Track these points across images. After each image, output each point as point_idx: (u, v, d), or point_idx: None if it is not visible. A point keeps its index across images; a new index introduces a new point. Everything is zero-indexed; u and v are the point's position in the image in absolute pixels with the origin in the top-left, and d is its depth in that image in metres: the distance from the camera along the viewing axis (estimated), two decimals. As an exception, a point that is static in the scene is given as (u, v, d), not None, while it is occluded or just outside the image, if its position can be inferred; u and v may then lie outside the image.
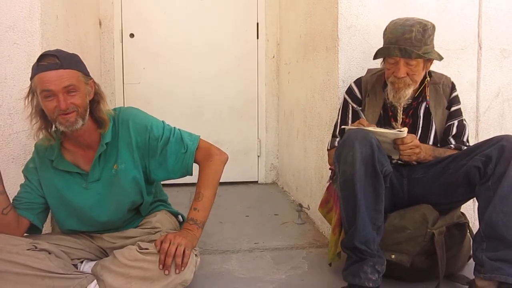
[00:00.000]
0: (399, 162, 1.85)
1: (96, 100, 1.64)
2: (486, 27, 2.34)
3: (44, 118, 1.58)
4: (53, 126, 1.62)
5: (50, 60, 1.52)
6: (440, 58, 1.82)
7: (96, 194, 1.68)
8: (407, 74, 1.79)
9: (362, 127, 1.70)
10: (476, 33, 2.34)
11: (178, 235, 1.58)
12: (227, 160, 1.76)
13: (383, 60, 1.88)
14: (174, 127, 1.76)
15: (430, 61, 1.84)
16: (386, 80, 1.87)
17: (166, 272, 1.51)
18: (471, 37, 2.34)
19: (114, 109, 1.72)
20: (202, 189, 1.68)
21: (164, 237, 1.57)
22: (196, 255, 1.65)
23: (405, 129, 1.71)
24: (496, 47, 2.36)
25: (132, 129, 1.68)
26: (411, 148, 1.73)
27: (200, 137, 1.77)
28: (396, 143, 1.73)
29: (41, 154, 1.69)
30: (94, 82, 1.65)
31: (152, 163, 1.71)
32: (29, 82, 1.58)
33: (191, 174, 1.76)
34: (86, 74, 1.61)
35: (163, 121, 1.76)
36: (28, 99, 1.57)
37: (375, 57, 1.85)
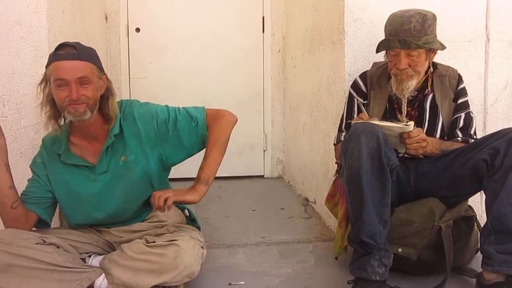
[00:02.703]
0: (406, 155, 1.84)
1: (106, 96, 1.65)
2: (494, 19, 2.32)
3: (54, 107, 1.60)
4: (62, 118, 1.63)
5: (68, 50, 1.55)
6: (443, 47, 1.81)
7: (103, 186, 1.69)
8: (409, 65, 1.78)
9: (369, 121, 1.69)
10: (484, 25, 2.32)
11: (171, 189, 1.64)
12: (235, 121, 1.75)
13: (386, 52, 1.87)
14: (178, 107, 1.76)
15: (433, 51, 1.83)
16: (390, 72, 1.87)
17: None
18: (479, 29, 2.32)
19: (118, 102, 1.73)
20: (208, 148, 1.69)
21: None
22: (202, 247, 1.66)
23: (412, 123, 1.70)
24: (504, 39, 2.34)
25: (139, 120, 1.68)
26: (417, 142, 1.73)
27: (206, 107, 1.77)
28: (403, 136, 1.72)
29: (49, 149, 1.70)
30: (107, 78, 1.67)
31: (166, 147, 1.71)
32: (40, 77, 1.59)
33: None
34: (100, 68, 1.63)
35: (166, 105, 1.76)
36: (40, 87, 1.59)
37: (377, 50, 1.84)
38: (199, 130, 1.72)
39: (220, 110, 1.76)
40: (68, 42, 1.60)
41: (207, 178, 1.66)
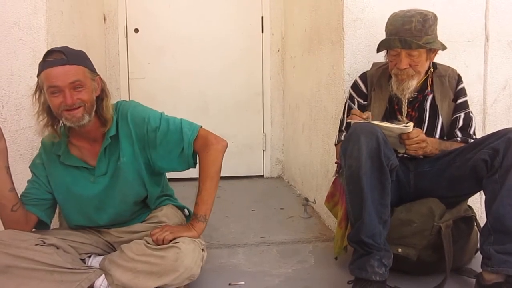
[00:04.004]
0: (405, 155, 1.84)
1: (101, 97, 1.64)
2: (494, 19, 2.32)
3: (51, 115, 1.59)
4: (60, 123, 1.62)
5: (56, 56, 1.53)
6: (443, 47, 1.81)
7: (103, 188, 1.68)
8: (410, 65, 1.78)
9: (369, 121, 1.69)
10: (483, 25, 2.32)
11: (169, 226, 1.67)
12: (225, 147, 1.70)
13: (386, 52, 1.87)
14: (174, 117, 1.73)
15: (433, 51, 1.83)
16: (390, 72, 1.87)
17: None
18: (478, 29, 2.32)
19: (115, 103, 1.72)
20: (200, 183, 1.68)
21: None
22: (203, 249, 1.65)
23: (411, 124, 1.70)
24: (504, 39, 2.34)
25: (131, 122, 1.67)
26: (417, 143, 1.73)
27: (201, 127, 1.73)
28: (402, 137, 1.72)
29: (48, 150, 1.69)
30: (101, 79, 1.65)
31: (153, 154, 1.69)
32: (36, 79, 1.58)
33: (194, 166, 1.74)
34: (92, 70, 1.61)
35: (161, 112, 1.73)
36: (35, 96, 1.57)
37: (378, 50, 1.84)
38: (185, 150, 1.68)
39: (210, 135, 1.70)
40: (56, 47, 1.58)
41: (204, 215, 1.67)
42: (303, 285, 1.81)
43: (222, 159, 1.70)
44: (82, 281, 1.54)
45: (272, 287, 1.80)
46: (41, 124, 1.59)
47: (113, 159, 1.68)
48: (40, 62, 1.55)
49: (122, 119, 1.68)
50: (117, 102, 1.73)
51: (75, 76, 1.53)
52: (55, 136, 1.63)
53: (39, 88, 1.56)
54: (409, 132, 1.70)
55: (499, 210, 1.59)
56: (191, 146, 1.68)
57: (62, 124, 1.64)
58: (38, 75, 1.56)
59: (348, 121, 1.82)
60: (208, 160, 1.67)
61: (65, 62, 1.52)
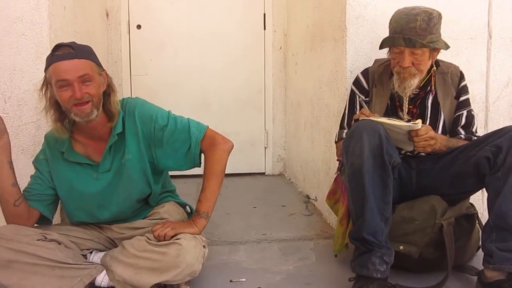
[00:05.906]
0: (408, 153, 1.84)
1: (107, 92, 1.64)
2: (497, 16, 2.31)
3: (59, 110, 1.58)
4: (66, 119, 1.62)
5: (65, 50, 1.53)
6: (447, 47, 1.80)
7: (106, 184, 1.68)
8: (413, 63, 1.77)
9: (377, 120, 1.67)
10: (486, 22, 2.31)
11: (170, 222, 1.67)
12: (231, 148, 1.72)
13: (389, 50, 1.86)
14: (182, 117, 1.73)
15: (436, 50, 1.82)
16: (392, 70, 1.86)
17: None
18: (481, 26, 2.31)
19: (122, 100, 1.72)
20: (205, 180, 1.68)
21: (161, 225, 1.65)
22: (204, 246, 1.65)
23: (419, 121, 1.69)
24: (507, 36, 2.33)
25: (138, 119, 1.67)
26: (426, 140, 1.71)
27: (208, 127, 1.74)
28: (411, 135, 1.71)
29: (52, 146, 1.69)
30: (107, 74, 1.65)
31: (159, 152, 1.69)
32: (41, 74, 1.58)
33: (199, 165, 1.74)
34: (99, 65, 1.62)
35: (168, 111, 1.74)
36: (42, 91, 1.57)
37: (381, 47, 1.83)
38: (192, 149, 1.69)
39: (217, 135, 1.72)
40: (64, 42, 1.58)
41: (206, 212, 1.67)
42: (304, 282, 1.81)
43: (227, 159, 1.71)
44: (84, 276, 1.55)
45: (273, 284, 1.81)
46: (52, 119, 1.59)
47: (117, 156, 1.68)
48: (48, 56, 1.55)
49: (129, 116, 1.68)
50: (123, 99, 1.73)
51: (84, 70, 1.53)
52: (64, 132, 1.62)
53: (46, 83, 1.56)
54: (417, 130, 1.69)
55: (501, 208, 1.58)
56: (198, 145, 1.69)
57: (67, 120, 1.63)
58: (45, 70, 1.56)
59: (356, 117, 1.79)
60: (214, 159, 1.68)
61: (74, 56, 1.52)
